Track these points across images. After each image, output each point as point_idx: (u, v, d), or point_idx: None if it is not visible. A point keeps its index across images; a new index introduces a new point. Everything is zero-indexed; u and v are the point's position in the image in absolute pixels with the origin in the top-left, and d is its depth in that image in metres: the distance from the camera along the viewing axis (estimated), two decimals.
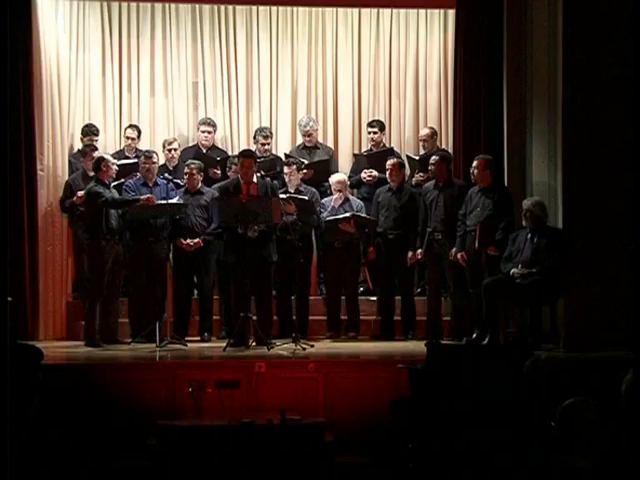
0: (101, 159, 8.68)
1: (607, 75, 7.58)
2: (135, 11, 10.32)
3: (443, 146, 10.02)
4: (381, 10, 10.40)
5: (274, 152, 9.93)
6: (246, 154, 8.67)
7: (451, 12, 9.59)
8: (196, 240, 8.72)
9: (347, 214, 8.97)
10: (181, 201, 8.73)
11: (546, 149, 8.29)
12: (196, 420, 6.73)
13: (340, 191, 9.16)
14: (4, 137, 5.65)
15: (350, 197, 9.30)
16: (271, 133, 9.95)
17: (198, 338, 8.83)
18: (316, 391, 7.16)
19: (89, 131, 9.62)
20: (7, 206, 6.64)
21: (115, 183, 8.81)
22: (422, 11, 10.39)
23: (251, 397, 7.08)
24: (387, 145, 9.97)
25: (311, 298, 9.21)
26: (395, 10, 10.37)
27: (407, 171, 9.46)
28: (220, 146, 10.14)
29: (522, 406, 5.62)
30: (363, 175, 9.61)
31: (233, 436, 6.34)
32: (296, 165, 9.13)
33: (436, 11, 10.33)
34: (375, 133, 9.85)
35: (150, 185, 8.83)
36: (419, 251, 8.79)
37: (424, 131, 9.92)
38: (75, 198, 8.92)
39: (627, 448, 4.02)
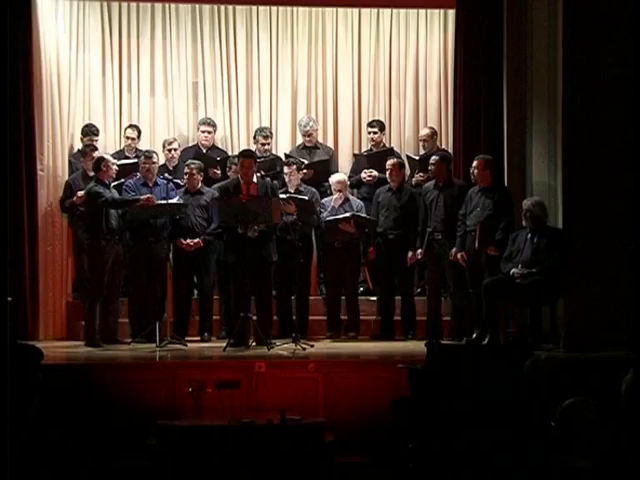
0: (101, 159, 8.68)
1: (607, 75, 7.58)
2: (135, 11, 10.33)
3: (443, 146, 10.02)
4: (381, 10, 10.41)
5: (274, 152, 9.93)
6: (246, 154, 8.67)
7: (451, 12, 9.59)
8: (196, 240, 8.72)
9: (347, 214, 8.97)
10: (181, 201, 8.73)
11: (546, 149, 8.29)
12: (196, 420, 6.73)
13: (340, 191, 9.16)
14: (4, 137, 5.65)
15: (350, 197, 9.30)
16: (271, 133, 9.95)
17: (198, 338, 8.83)
18: (316, 391, 7.15)
19: (89, 131, 9.62)
20: (7, 206, 6.64)
21: (115, 183, 8.81)
22: (422, 11, 10.39)
23: (251, 397, 7.08)
24: (387, 145, 9.97)
25: (311, 298, 9.21)
26: (395, 10, 10.37)
27: (407, 171, 9.46)
28: (220, 146, 10.14)
29: (522, 406, 5.62)
30: (363, 175, 9.61)
31: (233, 436, 6.34)
32: (296, 165, 9.13)
33: (436, 11, 10.33)
34: (375, 133, 9.85)
35: (150, 185, 8.83)
36: (419, 251, 8.79)
37: (424, 131, 9.92)
38: (75, 198, 8.92)
39: (627, 448, 4.02)
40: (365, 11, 10.39)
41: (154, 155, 8.98)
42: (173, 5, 10.29)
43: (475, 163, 8.43)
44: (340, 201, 9.15)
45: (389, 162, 9.13)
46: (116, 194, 8.67)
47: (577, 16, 7.69)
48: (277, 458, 6.32)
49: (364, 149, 10.13)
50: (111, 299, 8.64)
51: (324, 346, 8.49)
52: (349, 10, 10.38)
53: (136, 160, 9.25)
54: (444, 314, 8.92)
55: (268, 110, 10.46)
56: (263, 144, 9.73)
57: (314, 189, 9.25)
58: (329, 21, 10.47)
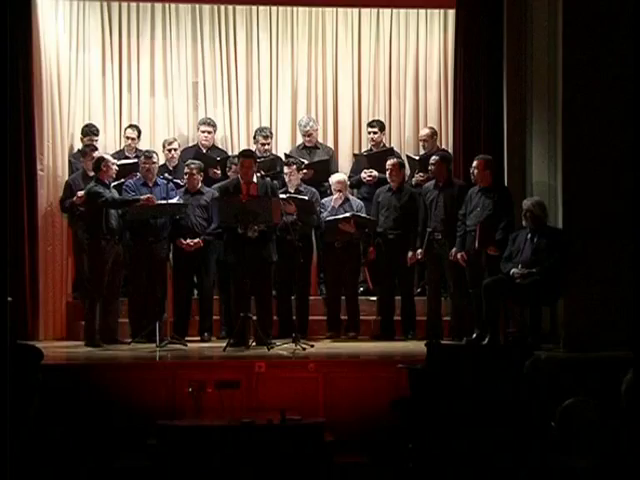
0: (101, 159, 8.68)
1: (607, 75, 7.58)
2: (135, 11, 10.33)
3: (443, 146, 10.02)
4: (381, 10, 10.41)
5: (274, 152, 9.93)
6: (246, 154, 8.67)
7: (451, 12, 9.59)
8: (196, 240, 8.72)
9: (347, 214, 8.97)
10: (181, 201, 8.73)
11: (546, 149, 8.29)
12: (196, 420, 6.73)
13: (340, 191, 9.16)
14: (4, 137, 5.65)
15: (350, 197, 9.30)
16: (271, 133, 9.95)
17: (198, 338, 8.83)
18: (316, 391, 7.15)
19: (89, 131, 9.62)
20: (7, 206, 6.64)
21: (115, 183, 8.81)
22: (422, 11, 10.39)
23: (251, 397, 7.08)
24: (387, 145, 9.97)
25: (311, 298, 9.21)
26: (395, 10, 10.38)
27: (407, 171, 9.46)
28: (220, 146, 10.14)
29: (522, 406, 5.62)
30: (363, 175, 9.61)
31: (233, 436, 6.34)
32: (296, 165, 9.13)
33: (436, 11, 10.34)
34: (375, 133, 9.85)
35: (150, 185, 8.83)
36: (419, 251, 8.79)
37: (424, 131, 9.92)
38: (75, 198, 8.92)
39: (627, 448, 4.02)
40: (365, 11, 10.39)
41: (154, 155, 8.98)
42: (173, 5, 10.29)
43: (475, 163, 8.43)
44: (340, 201, 9.15)
45: (389, 162, 9.13)
46: (116, 194, 8.67)
47: (577, 16, 7.69)
48: (277, 458, 6.32)
49: (364, 149, 10.13)
50: (111, 299, 8.64)
51: (324, 346, 8.49)
52: (349, 10, 10.38)
53: (136, 160, 9.25)
54: (444, 314, 8.92)
55: (268, 110, 10.46)
56: (263, 144, 9.73)
57: (314, 189, 9.25)
58: (329, 21, 10.47)
